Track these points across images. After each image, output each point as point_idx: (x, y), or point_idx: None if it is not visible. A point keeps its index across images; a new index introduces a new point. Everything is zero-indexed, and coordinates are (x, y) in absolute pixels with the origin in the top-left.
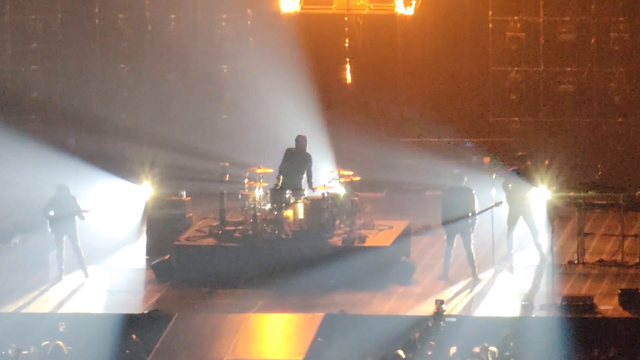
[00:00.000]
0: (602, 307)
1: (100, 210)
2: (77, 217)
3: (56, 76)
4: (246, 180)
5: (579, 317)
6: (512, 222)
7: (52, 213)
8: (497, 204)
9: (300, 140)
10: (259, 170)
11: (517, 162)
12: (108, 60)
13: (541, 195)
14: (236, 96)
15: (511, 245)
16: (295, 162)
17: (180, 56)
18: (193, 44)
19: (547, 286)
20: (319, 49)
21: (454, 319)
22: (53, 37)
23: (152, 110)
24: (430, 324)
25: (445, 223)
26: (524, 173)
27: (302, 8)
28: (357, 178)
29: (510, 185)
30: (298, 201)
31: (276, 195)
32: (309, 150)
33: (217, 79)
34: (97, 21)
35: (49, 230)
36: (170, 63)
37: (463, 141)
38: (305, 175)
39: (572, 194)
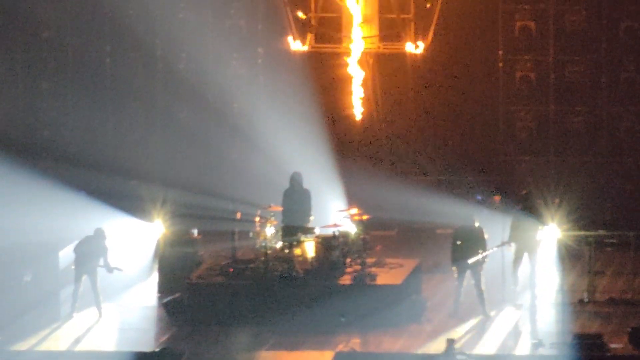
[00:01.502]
0: (612, 346)
1: (113, 248)
2: (102, 265)
3: (67, 114)
4: (257, 219)
5: (590, 355)
6: (517, 259)
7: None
8: (507, 243)
9: (296, 177)
10: (270, 209)
11: (522, 200)
12: (119, 98)
13: (551, 233)
14: (247, 134)
15: (516, 282)
16: (294, 200)
17: (191, 94)
18: (204, 82)
19: (558, 324)
20: (329, 87)
21: (465, 357)
22: (64, 76)
23: (164, 148)
24: None
25: (455, 261)
26: (530, 211)
27: (311, 47)
28: (368, 216)
29: (516, 223)
30: (309, 239)
31: (287, 233)
32: (320, 188)
33: (228, 117)
34: (108, 60)
35: (73, 267)
36: (181, 101)
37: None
38: (308, 211)
39: (582, 232)
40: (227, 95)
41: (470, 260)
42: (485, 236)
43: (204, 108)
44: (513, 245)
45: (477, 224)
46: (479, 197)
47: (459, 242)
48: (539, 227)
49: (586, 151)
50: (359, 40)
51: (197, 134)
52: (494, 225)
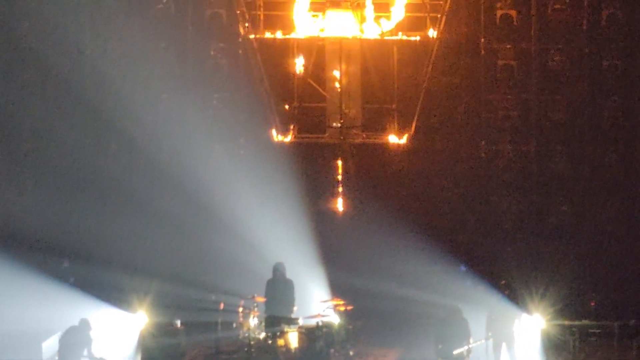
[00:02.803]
0: None
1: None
2: (87, 355)
3: (49, 205)
4: (240, 309)
5: None
6: (495, 349)
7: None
8: (489, 338)
9: (279, 268)
10: (253, 300)
11: (501, 290)
12: (101, 189)
13: (535, 323)
14: (230, 224)
15: None
16: (277, 290)
17: (173, 184)
18: (186, 172)
19: None
20: (311, 177)
21: None
22: (46, 167)
23: (146, 238)
24: None
25: (439, 353)
26: (511, 300)
27: (295, 137)
28: (351, 306)
29: (492, 314)
30: (292, 330)
31: (270, 323)
32: (303, 278)
33: (210, 207)
34: (89, 150)
35: (57, 357)
36: (163, 191)
37: (457, 266)
38: (292, 301)
39: (566, 322)
40: (209, 185)
41: (455, 352)
42: (469, 327)
43: (186, 198)
44: (492, 335)
45: (461, 314)
46: (463, 268)
47: (443, 332)
48: (517, 318)
49: (570, 241)
50: (342, 131)
51: (180, 224)
52: (478, 314)
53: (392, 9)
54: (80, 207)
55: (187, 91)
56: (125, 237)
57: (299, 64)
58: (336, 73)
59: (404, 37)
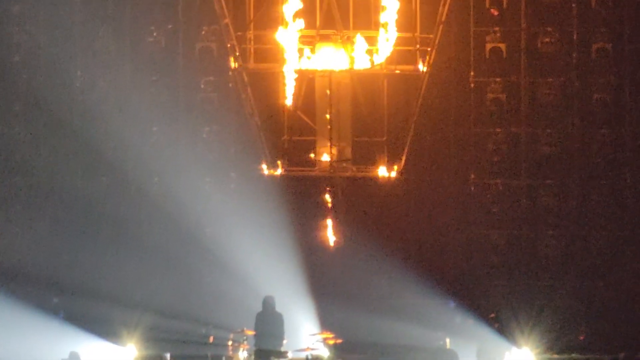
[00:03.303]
0: None
1: None
2: None
3: (40, 239)
4: (230, 342)
5: None
6: None
7: None
8: None
9: (268, 301)
10: (242, 333)
11: (492, 323)
12: (93, 222)
13: (524, 357)
14: (220, 258)
15: None
16: (267, 323)
17: (163, 218)
18: (177, 206)
19: None
20: (301, 209)
21: None
22: (35, 200)
23: (137, 271)
24: None
25: None
26: (500, 333)
27: (285, 170)
28: (341, 340)
29: (482, 348)
30: None
31: (260, 357)
32: (293, 311)
33: (201, 241)
34: (79, 183)
35: None
36: (154, 225)
37: (447, 300)
38: (282, 335)
39: (556, 355)
40: (199, 218)
41: None
42: None
43: (176, 231)
44: None
45: (449, 348)
46: (452, 304)
47: None
48: (506, 351)
49: (560, 275)
50: (332, 164)
51: (170, 257)
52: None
53: (382, 42)
54: (71, 241)
55: (178, 124)
56: (116, 270)
57: (289, 98)
58: (326, 106)
59: (395, 71)
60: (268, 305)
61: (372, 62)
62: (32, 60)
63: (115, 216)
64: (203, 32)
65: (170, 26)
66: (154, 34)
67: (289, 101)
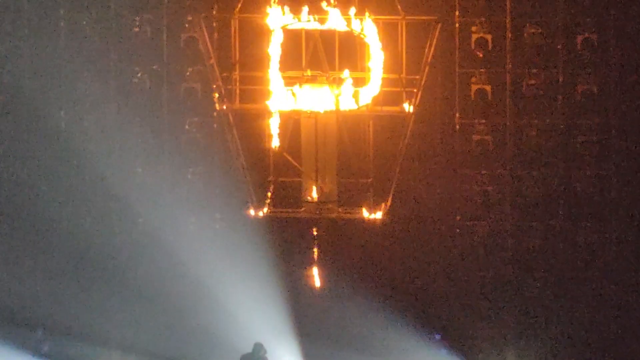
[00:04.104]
0: None
1: None
2: None
3: (23, 279)
4: None
5: None
6: None
7: None
8: None
9: (258, 348)
10: None
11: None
12: (75, 266)
13: None
14: (205, 300)
15: None
16: None
17: (146, 258)
18: (160, 245)
19: None
20: (287, 250)
21: None
22: (19, 241)
23: (122, 311)
24: None
25: None
26: None
27: (270, 211)
28: None
29: None
30: None
31: None
32: (280, 353)
33: (185, 283)
34: (64, 223)
35: None
36: (137, 265)
37: (432, 335)
38: None
39: None
40: (184, 261)
41: None
42: None
43: (161, 272)
44: None
45: None
46: (437, 336)
47: None
48: None
49: (545, 319)
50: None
51: (154, 298)
52: None
53: (368, 84)
54: (54, 281)
55: (163, 165)
56: (101, 310)
57: (275, 139)
58: (312, 147)
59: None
60: (257, 352)
61: (358, 103)
62: (17, 106)
63: (99, 256)
64: (188, 73)
65: (155, 67)
66: (139, 75)
67: (275, 142)
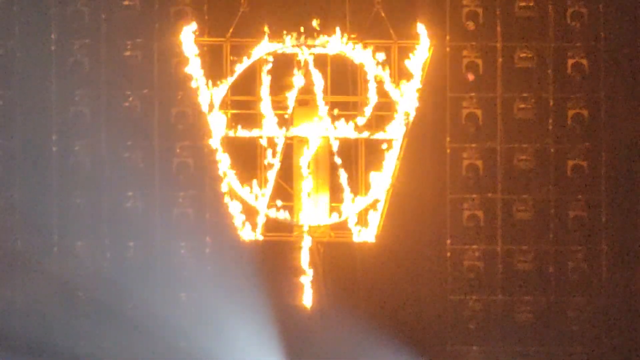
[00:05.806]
0: None
1: None
2: None
3: (14, 304)
4: None
5: None
6: None
7: None
8: None
9: None
10: None
11: None
12: (64, 289)
13: None
14: (195, 325)
15: None
16: None
17: (138, 284)
18: (152, 272)
19: None
20: (278, 275)
21: None
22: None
23: (112, 337)
24: None
25: None
26: None
27: (262, 235)
28: None
29: None
30: None
31: None
32: None
33: (175, 308)
34: (55, 249)
35: None
36: (127, 293)
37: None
38: None
39: None
40: (174, 285)
41: None
42: None
43: (150, 299)
44: None
45: None
46: None
47: None
48: None
49: (534, 341)
50: (310, 229)
51: (145, 324)
52: None
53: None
54: (47, 307)
55: (153, 189)
56: (90, 336)
57: (266, 162)
58: (304, 172)
59: (372, 136)
60: None
61: (350, 128)
62: (4, 125)
63: (88, 282)
64: (179, 97)
65: (145, 90)
66: (130, 99)
67: (267, 167)
